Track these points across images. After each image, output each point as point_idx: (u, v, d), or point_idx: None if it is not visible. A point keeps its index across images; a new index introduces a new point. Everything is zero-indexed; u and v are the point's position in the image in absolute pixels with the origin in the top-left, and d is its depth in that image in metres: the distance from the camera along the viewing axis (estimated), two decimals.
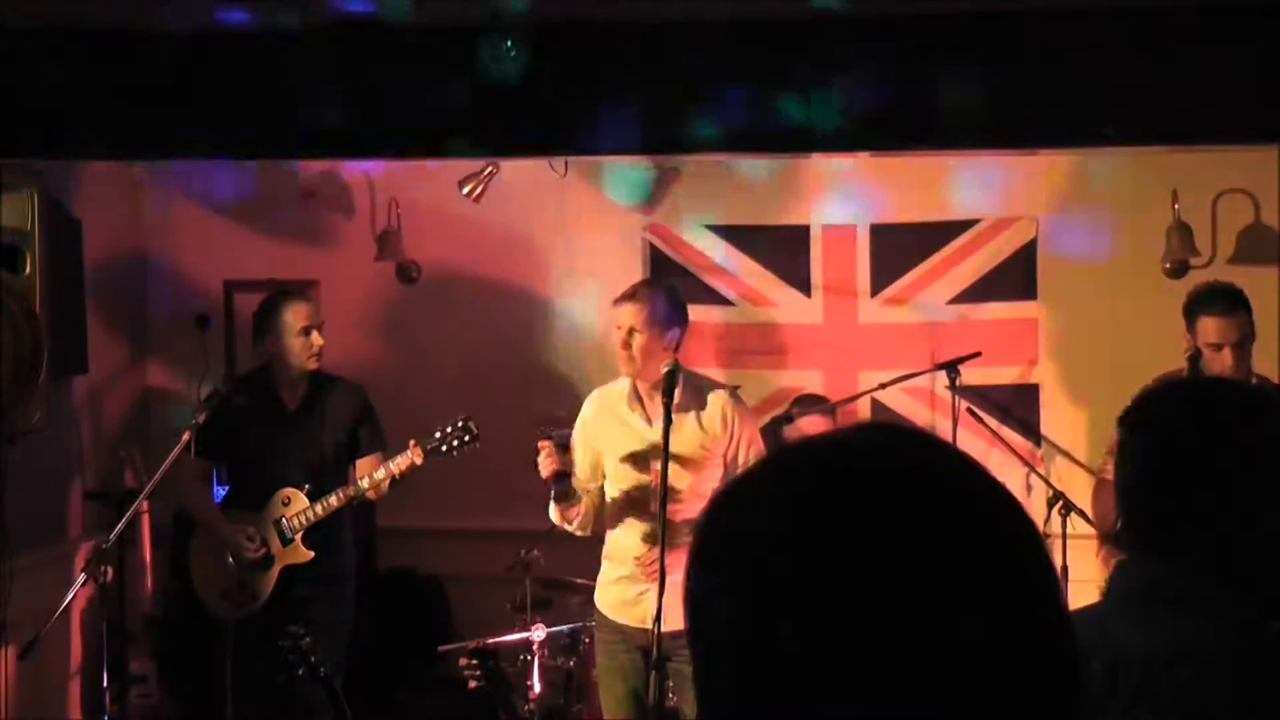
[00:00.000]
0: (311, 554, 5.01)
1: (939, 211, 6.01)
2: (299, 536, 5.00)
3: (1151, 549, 1.68)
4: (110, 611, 4.96)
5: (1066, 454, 5.89)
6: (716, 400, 4.43)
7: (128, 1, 4.16)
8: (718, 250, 6.13)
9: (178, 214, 6.46)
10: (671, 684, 4.33)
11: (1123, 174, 5.77)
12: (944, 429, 5.43)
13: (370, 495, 4.99)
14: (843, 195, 6.06)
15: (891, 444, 0.97)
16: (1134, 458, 1.73)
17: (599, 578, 4.59)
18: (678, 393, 4.27)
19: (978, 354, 5.43)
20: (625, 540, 4.47)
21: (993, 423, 5.67)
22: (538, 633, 4.99)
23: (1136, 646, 1.57)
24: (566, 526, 4.51)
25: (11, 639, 4.76)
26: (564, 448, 4.38)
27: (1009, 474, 5.20)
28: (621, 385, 4.50)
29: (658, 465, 4.20)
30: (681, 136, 4.54)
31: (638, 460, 4.40)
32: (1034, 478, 5.48)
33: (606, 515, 4.50)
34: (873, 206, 6.05)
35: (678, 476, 4.29)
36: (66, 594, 4.67)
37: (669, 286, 4.68)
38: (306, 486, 5.01)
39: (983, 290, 5.97)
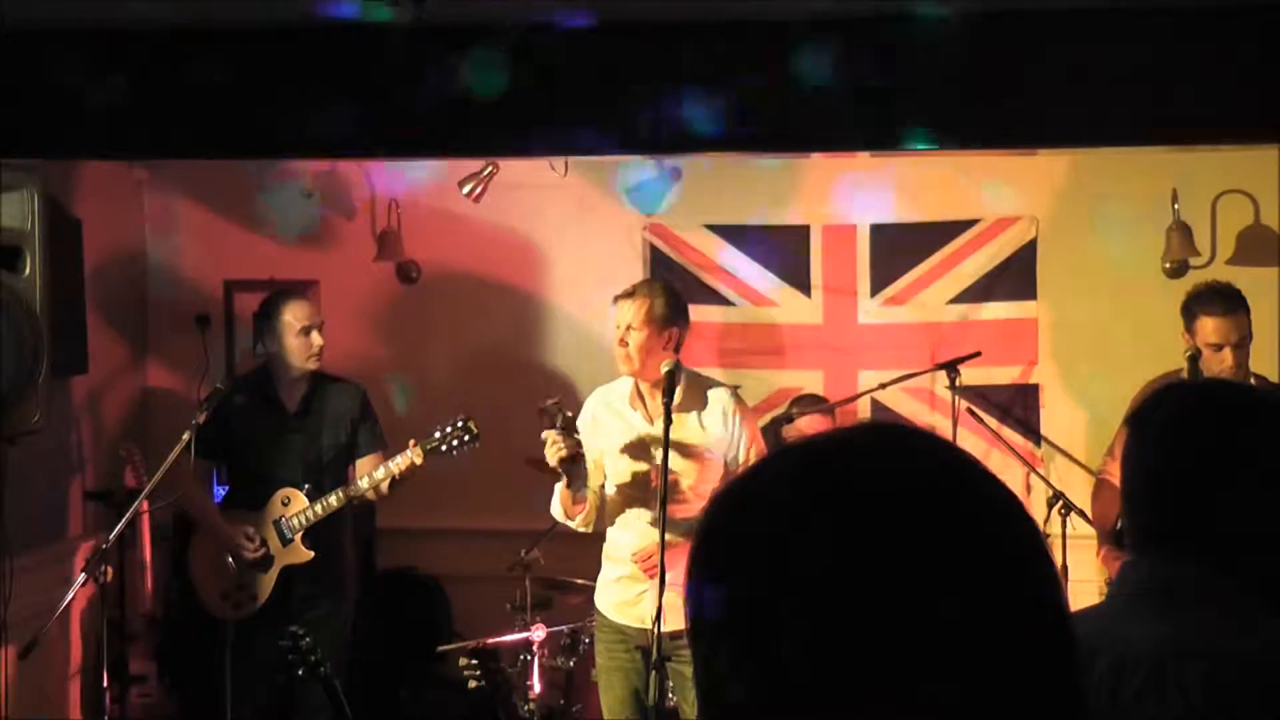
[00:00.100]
0: (311, 554, 5.00)
1: (939, 211, 6.01)
2: (299, 536, 5.00)
3: (1157, 548, 1.69)
4: (110, 611, 4.96)
5: (1066, 454, 5.89)
6: (717, 399, 4.43)
7: (128, 1, 4.16)
8: (718, 250, 6.13)
9: (178, 214, 6.46)
10: (671, 684, 4.33)
11: (1123, 174, 5.77)
12: (944, 429, 5.41)
13: (370, 495, 5.00)
14: (843, 195, 6.06)
15: (892, 443, 0.97)
16: (1139, 457, 1.74)
17: (599, 578, 4.59)
18: (678, 392, 4.27)
19: (978, 354, 5.42)
20: (625, 539, 4.47)
21: (993, 423, 5.67)
22: (538, 633, 4.99)
23: (1146, 642, 1.58)
24: (569, 522, 4.50)
25: (11, 639, 4.75)
26: (569, 430, 4.34)
27: (1009, 474, 5.19)
28: (623, 384, 4.50)
29: (659, 464, 4.21)
30: (680, 136, 4.53)
31: (639, 459, 4.40)
32: (1034, 478, 5.47)
33: (607, 513, 4.50)
34: (873, 206, 6.05)
35: (678, 475, 4.30)
36: (66, 594, 4.66)
37: (668, 285, 4.68)
38: (306, 487, 5.01)
39: (983, 290, 5.97)
